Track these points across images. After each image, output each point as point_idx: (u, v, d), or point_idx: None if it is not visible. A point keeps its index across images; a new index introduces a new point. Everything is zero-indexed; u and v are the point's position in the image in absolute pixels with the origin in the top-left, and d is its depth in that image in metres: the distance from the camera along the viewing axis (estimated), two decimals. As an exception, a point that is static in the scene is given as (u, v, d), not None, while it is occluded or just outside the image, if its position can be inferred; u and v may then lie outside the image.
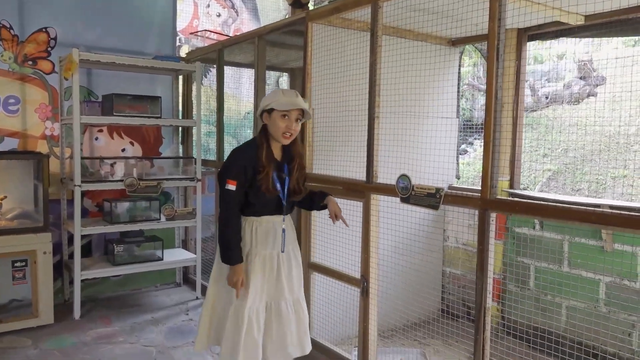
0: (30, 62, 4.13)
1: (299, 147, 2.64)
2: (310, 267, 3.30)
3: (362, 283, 2.84)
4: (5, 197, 3.86)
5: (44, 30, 4.16)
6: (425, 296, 3.72)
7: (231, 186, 2.41)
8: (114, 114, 4.01)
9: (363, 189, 2.82)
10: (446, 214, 3.95)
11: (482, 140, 2.24)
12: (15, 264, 3.67)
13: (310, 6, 4.38)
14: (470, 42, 4.09)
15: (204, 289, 4.41)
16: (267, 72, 5.21)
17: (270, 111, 2.46)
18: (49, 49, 4.20)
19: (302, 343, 2.64)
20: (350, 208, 3.01)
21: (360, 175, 2.90)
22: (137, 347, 3.44)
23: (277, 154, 2.55)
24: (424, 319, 3.72)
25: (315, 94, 3.29)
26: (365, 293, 2.83)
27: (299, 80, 5.45)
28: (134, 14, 4.56)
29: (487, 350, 2.24)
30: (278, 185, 2.50)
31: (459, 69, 4.14)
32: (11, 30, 4.03)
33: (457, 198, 2.32)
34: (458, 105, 4.22)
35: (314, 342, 3.29)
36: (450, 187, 3.98)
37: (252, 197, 2.48)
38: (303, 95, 3.29)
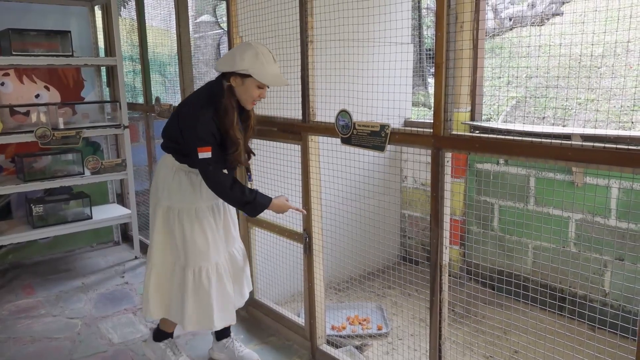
0: None
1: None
2: (249, 220, 2.90)
3: (305, 239, 2.47)
4: None
5: None
6: (383, 243, 3.40)
7: (206, 153, 2.08)
8: (13, 53, 3.41)
9: (299, 130, 2.39)
10: (402, 152, 3.57)
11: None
12: None
13: None
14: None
15: (143, 246, 4.02)
16: (199, -1, 4.59)
17: (244, 76, 2.09)
18: None
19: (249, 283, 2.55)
20: (288, 152, 2.59)
21: (297, 113, 2.46)
22: (60, 320, 3.04)
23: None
24: (382, 268, 3.42)
25: (241, 18, 2.79)
26: (308, 249, 2.46)
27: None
28: None
29: (444, 311, 1.92)
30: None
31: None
32: None
33: (406, 136, 1.92)
34: (420, 30, 3.76)
35: (258, 303, 2.96)
36: (406, 122, 3.59)
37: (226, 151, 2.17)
38: (229, 20, 2.78)
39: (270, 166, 2.74)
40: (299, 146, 2.44)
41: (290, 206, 2.30)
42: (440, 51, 1.74)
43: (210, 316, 2.26)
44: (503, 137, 1.66)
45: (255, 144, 2.82)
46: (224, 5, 4.97)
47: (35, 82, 4.01)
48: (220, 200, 2.32)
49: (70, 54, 3.67)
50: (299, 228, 2.55)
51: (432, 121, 1.82)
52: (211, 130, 2.09)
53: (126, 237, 4.43)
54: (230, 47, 4.74)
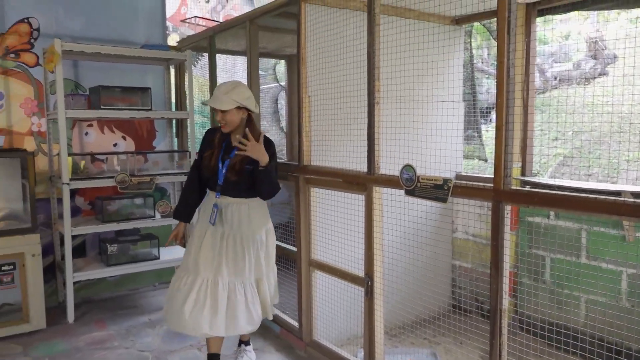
0: (12, 55, 3.93)
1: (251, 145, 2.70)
2: (312, 264, 3.11)
3: (367, 282, 2.64)
4: (-10, 197, 3.69)
5: (25, 20, 3.96)
6: (434, 291, 3.52)
7: (196, 156, 3.02)
8: (102, 107, 3.82)
9: (365, 181, 2.62)
10: (454, 205, 3.74)
11: (490, 125, 2.02)
12: (2, 268, 3.49)
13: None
14: (476, 20, 3.84)
15: (202, 288, 4.25)
16: (262, 59, 4.99)
17: None
18: (32, 40, 3.99)
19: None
20: (352, 202, 2.81)
21: (361, 166, 2.69)
22: (133, 353, 3.27)
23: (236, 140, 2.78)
24: (434, 315, 3.53)
25: (311, 80, 3.08)
26: (369, 293, 2.64)
27: (297, 68, 5.21)
28: (121, 2, 4.34)
29: (504, 354, 2.05)
30: (220, 165, 2.80)
31: (471, 49, 3.91)
32: (-9, 22, 3.83)
33: (468, 190, 2.11)
34: (474, 89, 4.01)
35: (317, 344, 3.12)
36: (457, 176, 3.78)
37: (201, 170, 2.90)
38: (299, 80, 3.07)
39: (334, 213, 2.96)
40: (363, 196, 2.66)
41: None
42: (500, 115, 1.95)
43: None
44: (560, 192, 1.83)
45: (319, 193, 3.07)
46: (282, 63, 5.38)
47: (114, 132, 4.43)
48: (221, 230, 2.81)
49: (150, 108, 4.06)
50: (360, 272, 2.74)
51: (483, 175, 2.01)
52: (205, 140, 2.93)
53: (186, 278, 4.68)
54: (291, 103, 5.10)
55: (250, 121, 2.83)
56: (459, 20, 3.72)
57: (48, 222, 4.07)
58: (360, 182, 2.64)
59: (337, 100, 2.95)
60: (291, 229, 3.71)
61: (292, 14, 3.31)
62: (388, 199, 2.66)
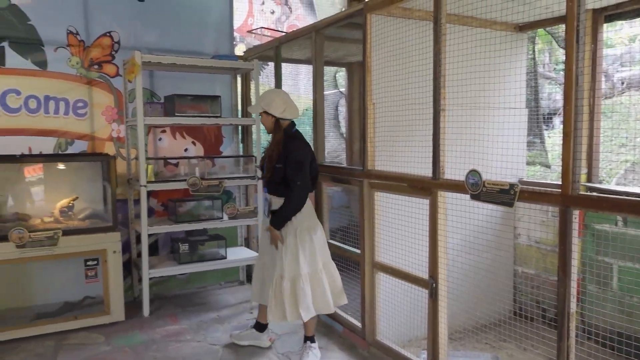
0: (96, 66, 4.25)
1: (272, 146, 3.17)
2: (375, 266, 3.20)
3: (431, 284, 2.72)
4: (77, 197, 4.00)
5: (107, 34, 4.28)
6: (496, 297, 3.54)
7: None
8: (176, 114, 4.07)
9: (429, 186, 2.70)
10: (517, 210, 3.74)
11: (552, 131, 2.06)
12: (87, 263, 3.79)
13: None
14: (540, 26, 3.84)
15: (266, 287, 4.43)
16: (324, 67, 5.13)
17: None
18: (113, 52, 4.31)
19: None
20: (415, 206, 2.89)
21: (424, 171, 2.77)
22: (204, 346, 3.47)
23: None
24: (495, 320, 3.54)
25: (376, 88, 3.19)
26: (434, 295, 2.71)
27: (357, 75, 5.35)
28: (192, 15, 4.60)
29: (572, 358, 2.07)
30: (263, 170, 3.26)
31: (534, 55, 3.91)
32: (77, 36, 4.17)
33: (534, 195, 2.16)
34: (537, 96, 4.00)
35: (380, 344, 3.20)
36: (520, 182, 3.77)
37: None
38: (364, 88, 3.19)
39: (396, 216, 3.04)
40: (427, 200, 2.73)
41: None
42: (568, 122, 1.99)
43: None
44: (630, 198, 1.85)
45: (384, 197, 3.17)
46: (343, 70, 5.51)
47: (185, 138, 4.69)
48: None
49: (219, 115, 4.29)
50: (423, 274, 2.81)
51: (546, 181, 2.04)
52: None
53: (250, 278, 4.87)
54: (351, 110, 5.20)
55: (277, 125, 3.17)
56: (522, 27, 3.72)
57: (125, 222, 4.36)
58: (425, 187, 2.72)
59: (401, 106, 3.05)
60: (351, 232, 3.82)
61: (356, 24, 3.44)
62: (450, 202, 2.73)
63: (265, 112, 3.16)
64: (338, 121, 5.80)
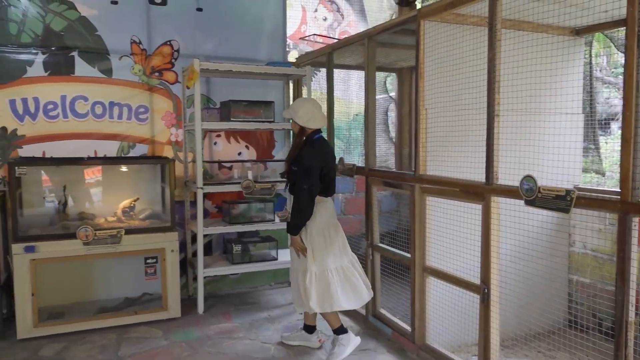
0: (156, 74, 4.46)
1: (291, 150, 3.48)
2: (425, 270, 3.22)
3: (483, 290, 2.72)
4: (138, 198, 4.21)
5: (168, 43, 4.48)
6: (549, 305, 3.48)
7: None
8: (231, 119, 4.22)
9: (482, 191, 2.70)
10: (571, 217, 3.66)
11: (609, 137, 2.04)
12: (147, 261, 3.98)
13: (418, 4, 4.30)
14: (597, 30, 3.75)
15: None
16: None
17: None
18: (173, 60, 4.51)
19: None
20: (467, 210, 2.90)
21: (476, 176, 2.78)
22: (256, 344, 3.58)
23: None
24: (548, 329, 3.48)
25: (428, 93, 3.21)
26: (485, 300, 2.71)
27: (407, 80, 5.37)
28: (247, 23, 4.76)
29: (628, 368, 2.04)
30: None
31: (590, 59, 3.83)
32: (140, 45, 4.39)
33: (592, 201, 2.14)
34: (592, 101, 3.92)
35: (429, 348, 3.22)
36: (575, 188, 3.69)
37: None
38: (417, 93, 3.22)
39: (449, 221, 3.06)
40: (480, 206, 2.74)
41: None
42: (628, 127, 1.97)
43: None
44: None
45: (435, 202, 3.19)
46: (393, 76, 5.54)
47: (239, 142, 4.84)
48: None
49: (272, 120, 4.41)
50: (474, 279, 2.81)
51: (601, 188, 2.02)
52: None
53: (299, 280, 4.97)
54: (401, 114, 5.22)
55: (301, 131, 3.37)
56: (579, 31, 3.66)
57: (181, 223, 4.54)
58: (478, 192, 2.73)
59: (453, 112, 3.06)
60: (399, 237, 3.85)
61: (409, 31, 3.48)
62: (503, 208, 2.72)
63: (293, 120, 3.39)
64: (387, 126, 5.83)
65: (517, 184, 2.44)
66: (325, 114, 4.66)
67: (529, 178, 2.38)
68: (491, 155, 2.65)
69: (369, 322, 3.86)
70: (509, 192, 2.52)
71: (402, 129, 5.41)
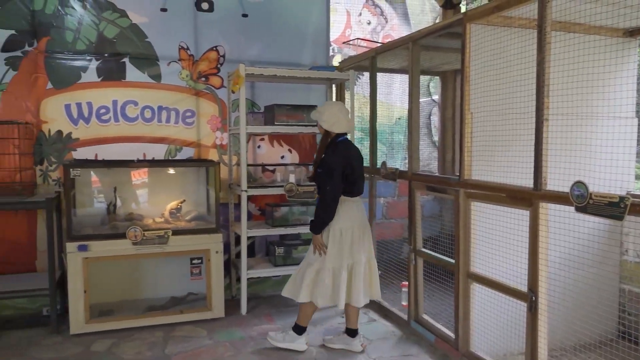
0: (203, 79, 4.57)
1: (316, 152, 3.64)
2: (470, 276, 3.18)
3: (530, 298, 2.66)
4: (185, 200, 4.32)
5: (214, 48, 4.59)
6: (599, 315, 3.36)
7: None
8: (275, 123, 4.27)
9: (530, 197, 2.65)
10: (624, 225, 3.54)
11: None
12: (193, 261, 4.08)
13: (462, 7, 4.25)
14: (653, 30, 3.62)
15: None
16: (419, 76, 5.14)
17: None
18: (219, 65, 4.61)
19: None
20: (513, 216, 2.84)
21: (523, 181, 2.72)
22: (298, 346, 3.61)
23: None
24: (598, 340, 3.37)
25: (474, 97, 3.17)
26: (533, 309, 2.65)
27: (451, 84, 5.31)
28: (291, 28, 4.82)
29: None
30: None
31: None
32: (188, 51, 4.51)
33: (648, 208, 2.07)
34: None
35: (473, 355, 3.17)
36: (629, 195, 3.56)
37: None
38: (462, 97, 3.19)
39: (495, 227, 3.00)
40: (528, 212, 2.68)
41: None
42: (688, 132, 1.89)
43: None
44: None
45: (480, 207, 3.14)
46: (436, 79, 5.49)
47: (282, 146, 4.90)
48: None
49: (315, 124, 4.43)
50: (521, 287, 2.76)
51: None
52: None
53: (340, 283, 4.98)
54: (444, 118, 5.17)
55: (326, 134, 3.51)
56: (632, 32, 3.54)
57: (225, 224, 4.63)
58: (526, 198, 2.68)
59: (499, 116, 3.01)
60: (441, 242, 3.81)
61: (454, 34, 3.44)
62: (552, 214, 2.66)
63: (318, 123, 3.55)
64: (430, 130, 5.78)
65: (566, 190, 2.38)
66: (365, 117, 4.67)
67: (580, 184, 2.32)
68: (540, 160, 2.60)
69: (411, 327, 3.83)
70: (559, 198, 2.47)
71: (445, 133, 5.35)
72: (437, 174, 5.25)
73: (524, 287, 2.74)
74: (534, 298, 2.64)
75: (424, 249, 3.76)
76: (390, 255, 4.97)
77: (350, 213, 3.44)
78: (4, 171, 4.01)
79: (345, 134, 3.55)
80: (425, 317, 3.75)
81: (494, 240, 3.01)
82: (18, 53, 4.09)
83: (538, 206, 2.61)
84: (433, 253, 3.66)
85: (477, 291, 3.19)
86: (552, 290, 2.75)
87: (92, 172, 4.20)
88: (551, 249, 2.69)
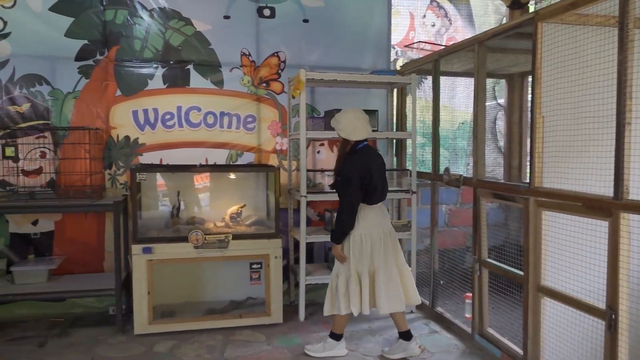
0: (264, 84, 4.61)
1: (336, 161, 3.58)
2: (540, 290, 3.00)
3: (609, 315, 2.46)
4: (245, 205, 4.35)
5: (275, 54, 4.62)
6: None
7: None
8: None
9: (609, 206, 2.46)
10: None
11: None
12: (252, 266, 4.09)
13: (531, 7, 4.06)
14: None
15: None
16: (484, 79, 4.95)
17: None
18: (279, 71, 4.63)
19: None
20: (589, 227, 2.65)
21: (602, 189, 2.53)
22: (356, 355, 3.54)
23: None
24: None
25: (545, 100, 3.00)
26: (612, 327, 2.45)
27: (518, 87, 5.08)
28: (352, 32, 4.77)
29: None
30: None
31: None
32: (249, 57, 4.56)
33: None
34: None
35: (544, 374, 2.98)
36: None
37: None
38: (533, 100, 3.03)
39: (568, 238, 2.82)
40: (606, 222, 2.49)
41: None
42: None
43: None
44: None
45: (552, 217, 2.96)
46: (502, 82, 5.28)
47: (341, 151, 4.84)
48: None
49: (376, 129, 4.37)
50: (599, 303, 2.56)
51: None
52: None
53: (400, 292, 4.86)
54: (511, 123, 4.95)
55: (344, 142, 3.48)
56: None
57: (284, 229, 4.62)
58: (604, 207, 2.49)
59: (573, 119, 2.82)
60: (506, 252, 3.63)
61: (523, 34, 3.28)
62: (635, 226, 2.45)
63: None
64: (495, 135, 5.56)
65: (652, 199, 2.19)
66: (427, 122, 4.54)
67: (668, 193, 2.12)
68: (620, 167, 2.41)
69: (475, 341, 3.67)
70: (643, 208, 2.27)
71: (511, 138, 5.13)
72: (502, 180, 5.04)
73: (601, 304, 2.54)
74: (613, 316, 2.44)
75: (489, 259, 3.59)
76: (453, 265, 4.80)
77: (368, 219, 3.41)
78: (76, 175, 4.18)
79: (365, 140, 3.50)
80: (491, 331, 3.58)
81: (567, 252, 2.82)
82: (90, 62, 4.26)
83: (619, 217, 2.42)
84: (499, 264, 3.49)
85: (548, 306, 3.01)
86: (634, 307, 2.54)
87: (157, 177, 4.31)
88: (633, 264, 2.48)
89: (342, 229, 3.39)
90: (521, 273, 3.16)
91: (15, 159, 4.08)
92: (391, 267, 3.43)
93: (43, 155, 4.22)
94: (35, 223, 4.25)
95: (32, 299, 4.06)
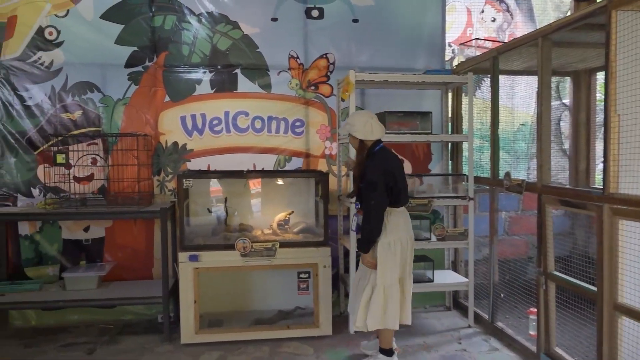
0: (312, 87, 4.47)
1: (355, 166, 3.43)
2: (617, 309, 2.69)
3: None
4: (293, 212, 4.22)
5: (324, 56, 4.47)
6: None
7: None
8: (387, 131, 4.02)
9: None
10: None
11: None
12: (300, 275, 3.95)
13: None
14: None
15: (476, 317, 4.12)
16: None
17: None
18: (328, 73, 4.49)
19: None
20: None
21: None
22: (410, 373, 3.32)
23: None
24: None
25: (621, 97, 2.70)
26: None
27: (585, 84, 4.71)
28: (404, 32, 4.57)
29: None
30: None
31: None
32: (297, 60, 4.44)
33: None
34: None
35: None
36: None
37: None
38: (607, 98, 2.73)
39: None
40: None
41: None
42: None
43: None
44: None
45: (631, 226, 2.65)
46: (567, 80, 4.92)
47: (393, 155, 4.63)
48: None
49: (430, 131, 4.14)
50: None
51: None
52: None
53: (456, 304, 4.60)
54: (577, 124, 4.59)
55: (361, 145, 3.33)
56: None
57: (333, 237, 4.45)
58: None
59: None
60: (573, 263, 3.33)
61: (593, 25, 2.99)
62: None
63: (350, 134, 3.35)
64: (559, 137, 5.19)
65: None
66: (485, 123, 4.27)
67: None
68: None
69: (541, 361, 3.37)
70: None
71: (578, 140, 4.76)
72: (568, 186, 4.68)
73: (692, 327, 2.23)
74: None
75: (556, 272, 3.29)
76: (514, 276, 4.48)
77: (395, 224, 3.29)
78: (125, 182, 4.19)
79: (381, 141, 3.37)
80: (559, 350, 3.27)
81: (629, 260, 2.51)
82: (139, 68, 4.27)
83: None
84: (568, 278, 3.18)
85: (626, 326, 2.69)
86: None
87: (205, 183, 4.26)
88: None
89: (370, 236, 3.24)
90: (594, 288, 2.85)
91: (67, 165, 4.12)
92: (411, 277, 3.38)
93: (94, 162, 4.25)
94: (87, 229, 4.29)
95: (82, 306, 4.08)
